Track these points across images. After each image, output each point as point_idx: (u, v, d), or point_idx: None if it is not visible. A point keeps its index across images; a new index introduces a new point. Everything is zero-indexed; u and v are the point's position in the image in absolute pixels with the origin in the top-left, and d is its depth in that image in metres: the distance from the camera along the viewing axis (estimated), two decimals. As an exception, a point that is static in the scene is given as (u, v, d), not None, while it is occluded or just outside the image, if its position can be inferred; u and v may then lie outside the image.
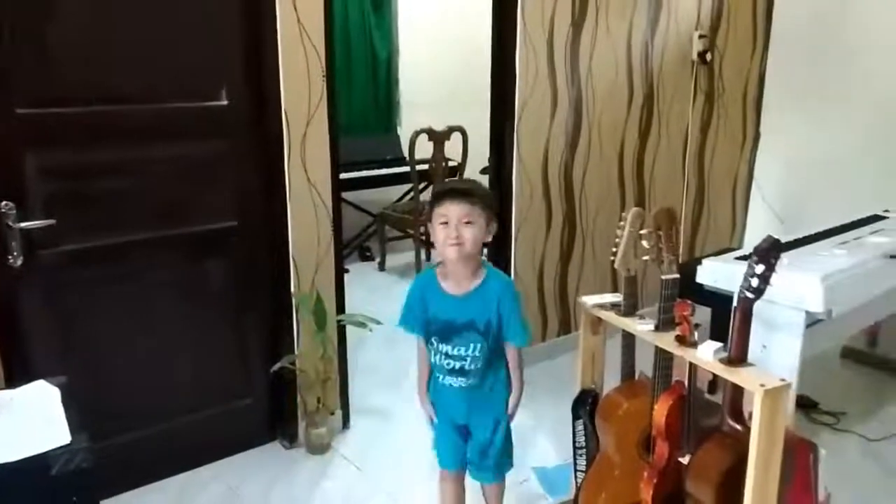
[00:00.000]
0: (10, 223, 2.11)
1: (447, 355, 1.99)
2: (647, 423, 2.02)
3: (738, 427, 1.83)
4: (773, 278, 1.73)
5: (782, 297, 2.14)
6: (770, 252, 1.73)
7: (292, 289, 2.73)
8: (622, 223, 2.04)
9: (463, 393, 2.02)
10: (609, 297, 2.17)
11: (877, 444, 2.85)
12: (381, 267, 5.45)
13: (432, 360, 2.04)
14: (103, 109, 2.28)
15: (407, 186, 5.43)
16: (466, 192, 1.90)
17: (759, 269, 1.72)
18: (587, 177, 3.64)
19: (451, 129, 5.01)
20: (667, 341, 1.92)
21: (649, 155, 3.91)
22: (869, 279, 2.46)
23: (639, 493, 2.01)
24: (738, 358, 1.75)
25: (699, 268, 2.52)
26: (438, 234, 1.90)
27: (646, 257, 1.98)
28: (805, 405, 3.04)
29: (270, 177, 2.62)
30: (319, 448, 2.82)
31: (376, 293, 4.75)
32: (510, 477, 2.22)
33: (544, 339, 3.69)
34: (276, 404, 2.85)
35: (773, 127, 4.42)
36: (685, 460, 1.90)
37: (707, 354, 1.80)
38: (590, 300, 2.17)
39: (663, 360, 1.98)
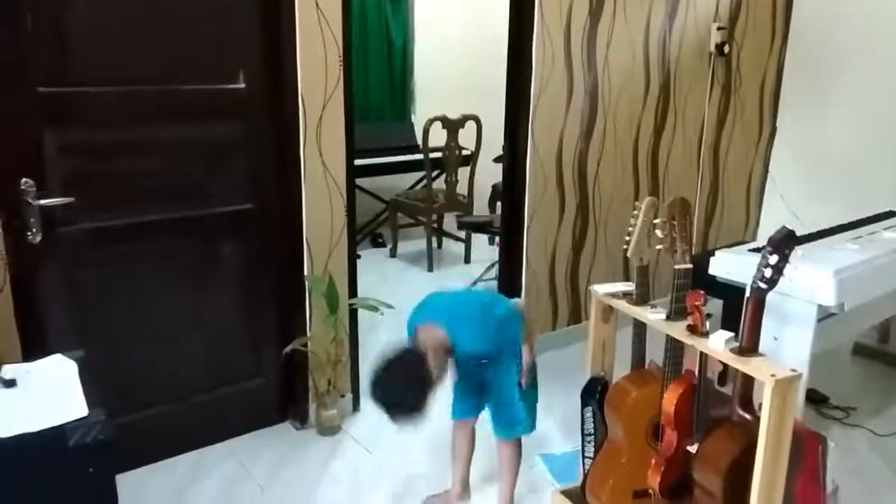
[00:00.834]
0: (30, 200, 2.13)
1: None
2: (656, 412, 2.03)
3: (748, 417, 1.84)
4: (787, 269, 1.73)
5: (795, 290, 2.15)
6: (784, 243, 1.73)
7: (305, 272, 2.75)
8: (636, 212, 2.04)
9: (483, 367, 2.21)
10: (621, 286, 2.17)
11: (885, 439, 2.85)
12: (393, 254, 5.47)
13: None
14: (122, 90, 2.30)
15: (420, 174, 5.43)
16: None
17: (773, 259, 1.72)
18: (601, 167, 3.63)
19: (465, 118, 5.01)
20: (678, 330, 1.92)
21: (664, 146, 3.90)
22: (882, 274, 2.45)
23: (646, 481, 2.02)
24: (749, 348, 1.76)
25: (712, 259, 2.53)
26: None
27: (659, 247, 1.99)
28: (815, 400, 3.05)
29: (286, 161, 2.63)
30: (330, 429, 2.85)
31: (387, 279, 4.78)
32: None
33: (554, 328, 3.70)
34: (287, 385, 2.88)
35: (789, 121, 4.39)
36: (693, 449, 1.91)
37: (718, 344, 1.80)
38: (601, 288, 2.18)
39: (674, 349, 1.99)
